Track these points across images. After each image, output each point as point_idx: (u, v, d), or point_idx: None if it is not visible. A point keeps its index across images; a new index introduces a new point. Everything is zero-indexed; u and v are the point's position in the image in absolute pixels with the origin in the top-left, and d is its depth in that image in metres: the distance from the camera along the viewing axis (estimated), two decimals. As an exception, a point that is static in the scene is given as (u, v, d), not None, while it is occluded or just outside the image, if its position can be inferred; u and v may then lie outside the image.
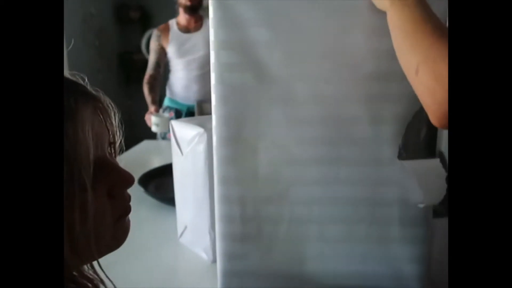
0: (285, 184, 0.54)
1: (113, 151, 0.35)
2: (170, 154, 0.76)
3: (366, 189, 0.53)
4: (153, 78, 1.80)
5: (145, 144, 1.62)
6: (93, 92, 0.32)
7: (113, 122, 0.33)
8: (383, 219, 0.54)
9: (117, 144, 0.34)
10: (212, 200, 0.63)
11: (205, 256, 0.69)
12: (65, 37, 0.26)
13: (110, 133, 0.34)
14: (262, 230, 0.55)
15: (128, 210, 0.34)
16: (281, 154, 0.53)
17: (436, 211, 0.56)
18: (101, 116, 0.32)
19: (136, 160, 1.39)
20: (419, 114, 0.51)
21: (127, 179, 0.33)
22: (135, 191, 0.96)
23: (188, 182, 0.69)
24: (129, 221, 0.35)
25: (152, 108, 1.73)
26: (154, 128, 1.62)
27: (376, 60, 0.50)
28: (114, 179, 0.32)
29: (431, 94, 0.36)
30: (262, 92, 0.51)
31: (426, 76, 0.37)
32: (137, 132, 1.90)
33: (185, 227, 0.73)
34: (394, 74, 0.49)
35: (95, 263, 0.33)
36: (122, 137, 0.34)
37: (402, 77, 0.50)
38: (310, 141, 0.52)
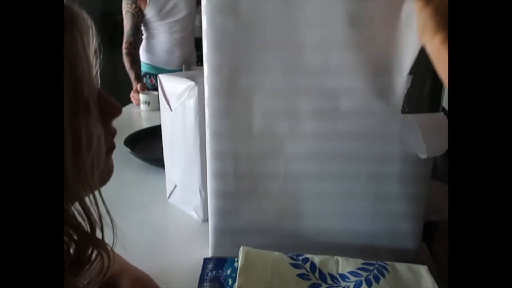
0: (280, 138, 0.51)
1: None
2: (155, 119, 0.72)
3: (365, 144, 0.51)
4: (133, 46, 1.66)
5: (130, 107, 1.56)
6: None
7: (91, 48, 0.29)
8: (381, 176, 0.52)
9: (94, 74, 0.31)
10: (203, 158, 0.61)
11: (195, 215, 0.68)
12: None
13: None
14: (256, 187, 0.53)
15: (114, 144, 0.32)
16: (276, 106, 0.50)
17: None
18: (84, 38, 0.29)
19: (121, 123, 1.33)
20: (424, 66, 0.49)
21: (116, 107, 0.30)
22: (122, 153, 0.93)
23: (178, 139, 0.66)
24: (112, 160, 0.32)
25: (138, 85, 1.55)
26: (143, 107, 1.46)
27: (380, 8, 0.46)
28: (104, 107, 0.29)
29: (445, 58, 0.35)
30: (257, 37, 0.47)
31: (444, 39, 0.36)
32: (122, 96, 1.83)
33: (175, 186, 0.71)
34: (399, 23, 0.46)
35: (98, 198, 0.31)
36: (100, 67, 0.31)
37: (405, 26, 0.47)
38: (307, 92, 0.49)
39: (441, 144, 0.47)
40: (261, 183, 0.53)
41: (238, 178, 0.53)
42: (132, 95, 1.59)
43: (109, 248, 0.35)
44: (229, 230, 0.55)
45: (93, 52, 0.29)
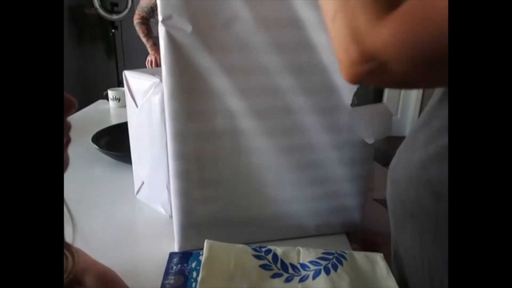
0: (241, 135, 0.53)
1: None
2: (124, 115, 0.72)
3: (318, 135, 0.55)
4: (146, 19, 1.69)
5: (99, 104, 1.54)
6: None
7: None
8: (334, 161, 0.57)
9: None
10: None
11: (163, 211, 0.68)
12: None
13: None
14: (219, 182, 0.55)
15: (69, 138, 0.32)
16: (236, 106, 0.51)
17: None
18: None
19: (89, 119, 1.32)
20: None
21: (71, 103, 0.30)
22: (89, 149, 0.92)
23: (144, 136, 0.66)
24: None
25: (155, 51, 1.61)
26: (113, 104, 1.44)
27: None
28: None
29: (345, 47, 0.32)
30: (215, 39, 0.48)
31: (342, 26, 0.32)
32: (91, 91, 1.79)
33: (142, 183, 0.71)
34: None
35: None
36: None
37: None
38: (267, 91, 0.51)
39: (385, 130, 0.54)
40: (224, 179, 0.55)
41: (201, 175, 0.54)
42: (149, 60, 1.63)
43: (72, 249, 0.35)
44: (193, 225, 0.56)
45: None
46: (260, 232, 0.58)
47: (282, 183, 0.56)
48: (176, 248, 0.57)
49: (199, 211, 0.56)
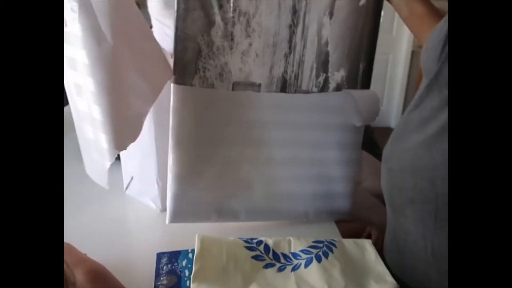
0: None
1: None
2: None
3: (312, 115, 0.56)
4: None
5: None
6: None
7: None
8: (324, 143, 0.58)
9: None
10: (159, 148, 0.61)
11: (153, 205, 0.68)
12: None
13: None
14: (216, 154, 0.56)
15: None
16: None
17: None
18: None
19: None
20: (359, 52, 0.55)
21: None
22: (75, 145, 0.91)
23: (132, 131, 0.66)
24: None
25: None
26: None
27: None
28: None
29: None
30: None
31: None
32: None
33: (132, 178, 0.71)
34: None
35: None
36: None
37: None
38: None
39: (372, 114, 0.55)
40: (221, 150, 0.56)
41: (200, 144, 0.55)
42: None
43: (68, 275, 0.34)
44: (188, 197, 0.57)
45: None
46: (250, 212, 0.58)
47: (274, 161, 0.57)
48: (167, 221, 0.58)
49: (194, 181, 0.56)
